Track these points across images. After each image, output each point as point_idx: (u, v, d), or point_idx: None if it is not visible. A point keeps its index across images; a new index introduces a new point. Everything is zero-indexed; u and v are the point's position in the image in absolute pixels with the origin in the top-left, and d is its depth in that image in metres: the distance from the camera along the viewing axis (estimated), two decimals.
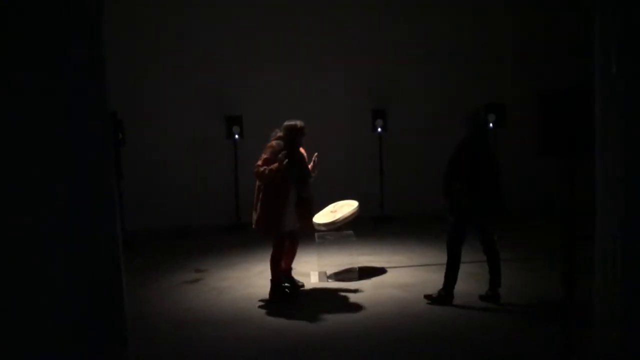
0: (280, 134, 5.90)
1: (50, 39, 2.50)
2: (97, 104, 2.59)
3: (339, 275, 6.64)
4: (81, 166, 2.56)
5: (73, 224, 2.57)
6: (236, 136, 9.08)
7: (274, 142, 5.82)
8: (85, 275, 2.64)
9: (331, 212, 6.80)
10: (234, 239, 8.63)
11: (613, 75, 2.88)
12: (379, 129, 9.34)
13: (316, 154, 5.98)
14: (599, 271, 3.11)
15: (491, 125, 8.84)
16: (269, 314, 5.60)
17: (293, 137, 5.83)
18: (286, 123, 5.93)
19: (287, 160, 5.58)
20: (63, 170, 2.52)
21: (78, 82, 2.54)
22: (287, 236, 5.94)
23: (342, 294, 6.08)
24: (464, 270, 6.65)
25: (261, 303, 5.89)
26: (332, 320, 5.37)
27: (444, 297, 5.62)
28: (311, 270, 6.79)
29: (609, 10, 2.91)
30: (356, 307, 5.66)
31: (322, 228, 6.62)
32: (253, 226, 5.93)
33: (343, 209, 6.74)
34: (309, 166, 5.96)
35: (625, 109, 2.85)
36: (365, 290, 6.14)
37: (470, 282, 6.29)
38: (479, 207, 5.38)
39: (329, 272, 6.72)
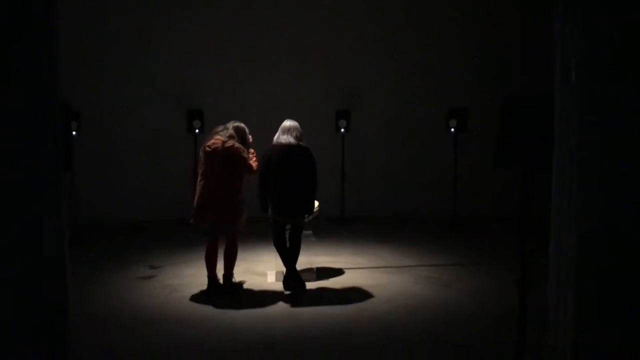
0: (231, 131, 5.94)
1: None
2: (45, 92, 2.46)
3: None
4: (23, 155, 2.43)
5: (13, 217, 2.44)
6: (197, 130, 8.94)
7: (241, 148, 5.90)
8: (26, 273, 2.51)
9: None
10: (191, 235, 8.47)
11: (572, 84, 2.90)
12: (342, 130, 9.32)
13: None
14: (552, 278, 3.15)
15: (452, 129, 8.91)
16: (224, 313, 5.51)
17: (245, 138, 6.03)
18: (239, 124, 6.05)
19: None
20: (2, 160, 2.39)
21: (24, 69, 2.41)
22: None
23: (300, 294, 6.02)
24: (419, 273, 6.72)
25: (216, 302, 5.79)
26: (289, 321, 5.31)
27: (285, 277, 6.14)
28: (268, 269, 6.72)
29: (569, 20, 2.94)
30: (314, 308, 5.62)
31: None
32: (222, 224, 5.92)
33: None
34: None
35: (583, 119, 2.88)
36: (323, 291, 6.10)
37: (426, 285, 6.33)
38: (278, 207, 5.93)
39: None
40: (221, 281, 6.07)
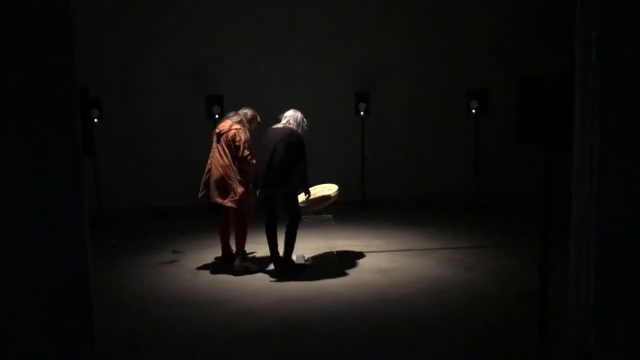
0: (241, 117, 6.30)
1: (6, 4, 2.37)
2: (62, 78, 2.48)
3: (317, 259, 6.60)
4: (41, 142, 2.45)
5: (34, 204, 2.47)
6: (216, 116, 8.96)
7: (243, 132, 6.19)
8: (47, 258, 2.55)
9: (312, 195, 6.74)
10: (212, 220, 8.55)
11: (592, 63, 2.83)
12: (362, 113, 9.28)
13: None
14: (573, 260, 3.10)
15: (473, 110, 8.81)
16: (243, 296, 5.56)
17: (252, 124, 6.39)
18: (247, 111, 6.37)
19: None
20: (21, 147, 2.42)
21: (38, 55, 2.42)
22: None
23: (320, 277, 6.04)
24: (441, 256, 6.69)
25: (236, 285, 5.84)
26: (310, 304, 5.34)
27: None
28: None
29: None
30: (334, 292, 5.63)
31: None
32: (234, 204, 6.16)
33: (323, 192, 6.69)
34: None
35: (603, 98, 2.81)
36: (343, 275, 6.12)
37: (447, 267, 6.30)
38: (261, 190, 6.07)
39: (307, 255, 6.69)
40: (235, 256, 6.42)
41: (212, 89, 9.25)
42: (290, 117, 6.18)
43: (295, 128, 6.11)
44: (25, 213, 2.54)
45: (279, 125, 6.15)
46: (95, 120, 8.22)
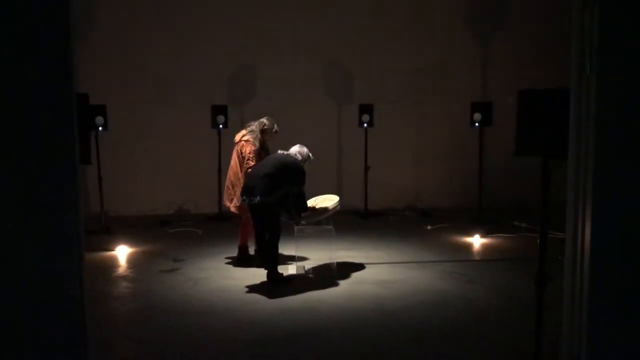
0: (253, 127, 6.64)
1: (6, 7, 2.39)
2: (60, 85, 2.51)
3: (317, 270, 6.61)
4: (39, 148, 2.48)
5: (29, 211, 2.49)
6: (220, 126, 9.03)
7: (251, 144, 6.57)
8: (42, 266, 2.56)
9: (312, 206, 6.77)
10: (215, 229, 8.59)
11: (587, 75, 2.85)
12: (365, 124, 9.30)
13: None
14: (567, 272, 3.10)
15: (477, 124, 8.84)
16: (243, 306, 5.55)
17: (264, 133, 6.68)
18: (262, 120, 6.66)
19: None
20: (15, 154, 2.44)
21: (40, 63, 2.45)
22: None
23: (319, 288, 6.04)
24: (442, 268, 6.67)
25: (237, 295, 5.85)
26: (308, 315, 5.32)
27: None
28: (288, 262, 6.76)
29: (586, 11, 2.88)
30: (333, 303, 5.62)
31: (302, 222, 6.58)
32: (235, 210, 6.70)
33: (324, 203, 6.71)
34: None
35: (598, 110, 2.82)
36: (343, 286, 6.11)
37: (449, 280, 6.28)
38: (241, 196, 6.23)
39: (307, 266, 6.69)
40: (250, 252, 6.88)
41: (217, 98, 9.32)
42: (297, 151, 6.30)
43: (300, 159, 6.23)
44: (18, 220, 2.55)
45: (285, 152, 6.29)
46: (100, 128, 8.27)
